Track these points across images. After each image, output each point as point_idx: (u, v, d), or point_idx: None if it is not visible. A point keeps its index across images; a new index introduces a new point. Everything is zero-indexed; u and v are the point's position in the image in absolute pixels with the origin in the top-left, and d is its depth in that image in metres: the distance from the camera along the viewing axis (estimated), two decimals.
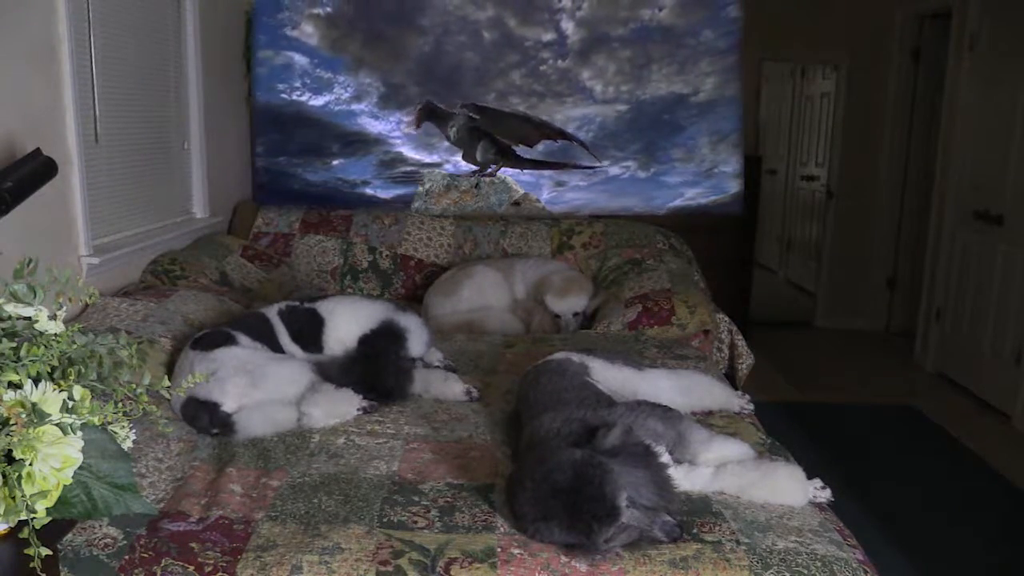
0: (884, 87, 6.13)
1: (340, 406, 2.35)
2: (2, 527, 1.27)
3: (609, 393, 2.25)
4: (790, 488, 1.90)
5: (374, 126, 4.54)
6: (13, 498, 1.22)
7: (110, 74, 3.06)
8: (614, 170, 4.63)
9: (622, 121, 4.58)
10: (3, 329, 1.34)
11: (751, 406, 2.53)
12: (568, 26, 4.50)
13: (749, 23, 4.59)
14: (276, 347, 2.61)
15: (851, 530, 1.85)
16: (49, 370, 1.34)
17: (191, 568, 1.62)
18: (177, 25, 3.66)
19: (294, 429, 2.28)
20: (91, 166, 2.89)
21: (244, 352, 2.43)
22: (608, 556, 1.63)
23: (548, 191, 4.65)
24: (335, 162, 4.56)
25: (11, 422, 1.22)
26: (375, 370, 2.51)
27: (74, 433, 1.28)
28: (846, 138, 6.27)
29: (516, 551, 1.66)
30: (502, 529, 1.75)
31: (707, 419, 2.36)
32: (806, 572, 1.62)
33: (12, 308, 1.36)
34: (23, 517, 1.23)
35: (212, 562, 1.63)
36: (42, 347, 1.32)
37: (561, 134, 4.57)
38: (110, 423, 1.39)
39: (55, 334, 1.36)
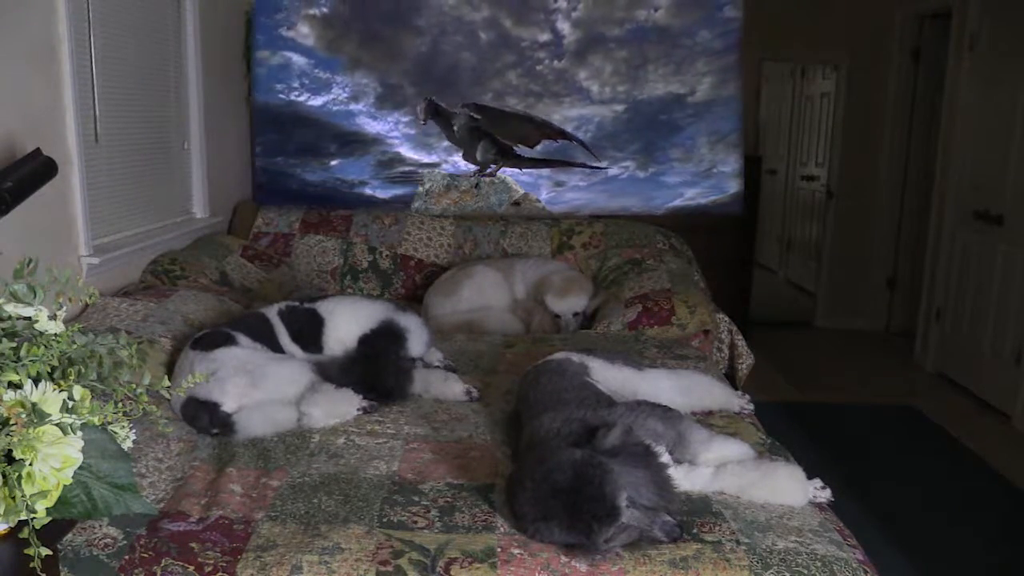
0: (884, 87, 6.13)
1: (340, 406, 2.35)
2: (2, 527, 1.27)
3: (609, 393, 2.25)
4: (790, 488, 1.90)
5: (372, 126, 4.55)
6: (13, 498, 1.22)
7: (110, 74, 3.06)
8: (613, 170, 4.63)
9: (620, 121, 4.59)
10: (3, 329, 1.34)
11: (751, 406, 2.53)
12: (564, 27, 4.50)
13: (749, 23, 4.59)
14: (276, 347, 2.61)
15: (851, 530, 1.85)
16: (49, 370, 1.34)
17: (191, 568, 1.62)
18: (177, 25, 3.66)
19: (294, 429, 2.28)
20: (91, 166, 2.89)
21: (244, 352, 2.43)
22: (608, 556, 1.63)
23: (547, 191, 4.65)
24: (333, 162, 4.56)
25: (11, 422, 1.22)
26: (375, 370, 2.51)
27: (74, 433, 1.28)
28: (846, 138, 6.27)
29: (516, 551, 1.66)
30: (502, 529, 1.75)
31: (707, 419, 2.36)
32: (806, 572, 1.62)
33: (12, 308, 1.36)
34: (23, 517, 1.23)
35: (212, 562, 1.63)
36: (42, 347, 1.32)
37: (562, 134, 4.57)
38: (110, 423, 1.39)
39: (55, 334, 1.36)
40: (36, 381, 1.29)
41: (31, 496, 1.23)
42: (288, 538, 1.71)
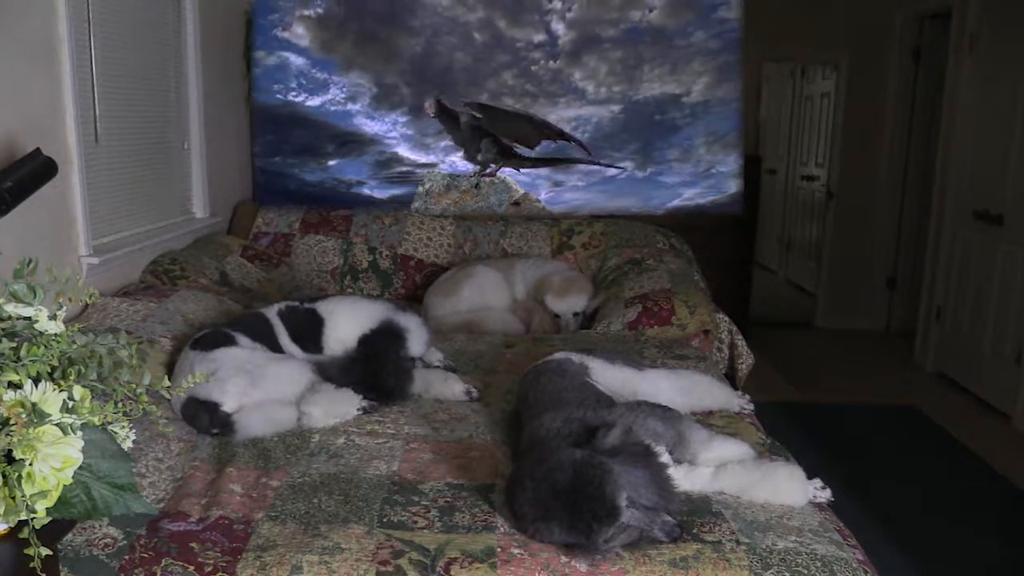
0: (884, 87, 6.13)
1: (340, 406, 2.35)
2: (2, 527, 1.27)
3: (609, 393, 2.25)
4: (790, 488, 1.90)
5: (370, 126, 4.55)
6: (13, 498, 1.22)
7: (110, 74, 3.06)
8: (611, 170, 4.63)
9: (617, 122, 4.59)
10: (3, 329, 1.34)
11: (751, 406, 2.53)
12: (558, 27, 4.51)
13: (749, 23, 4.59)
14: (276, 347, 2.61)
15: (851, 530, 1.85)
16: (49, 370, 1.34)
17: (191, 568, 1.62)
18: (177, 25, 3.66)
19: (294, 429, 2.28)
20: (91, 166, 2.89)
21: (244, 352, 2.43)
22: (608, 556, 1.63)
23: (546, 191, 4.66)
24: (331, 162, 4.57)
25: (11, 422, 1.23)
26: (375, 370, 2.51)
27: (74, 433, 1.28)
28: (846, 138, 6.27)
29: (516, 551, 1.66)
30: (502, 529, 1.75)
31: (707, 419, 2.36)
32: (806, 572, 1.62)
33: (12, 308, 1.36)
34: (23, 517, 1.23)
35: (212, 562, 1.63)
36: (42, 347, 1.32)
37: (561, 135, 4.57)
38: (110, 423, 1.39)
39: (55, 334, 1.36)
40: (36, 381, 1.29)
41: (31, 496, 1.23)
42: (288, 538, 1.71)
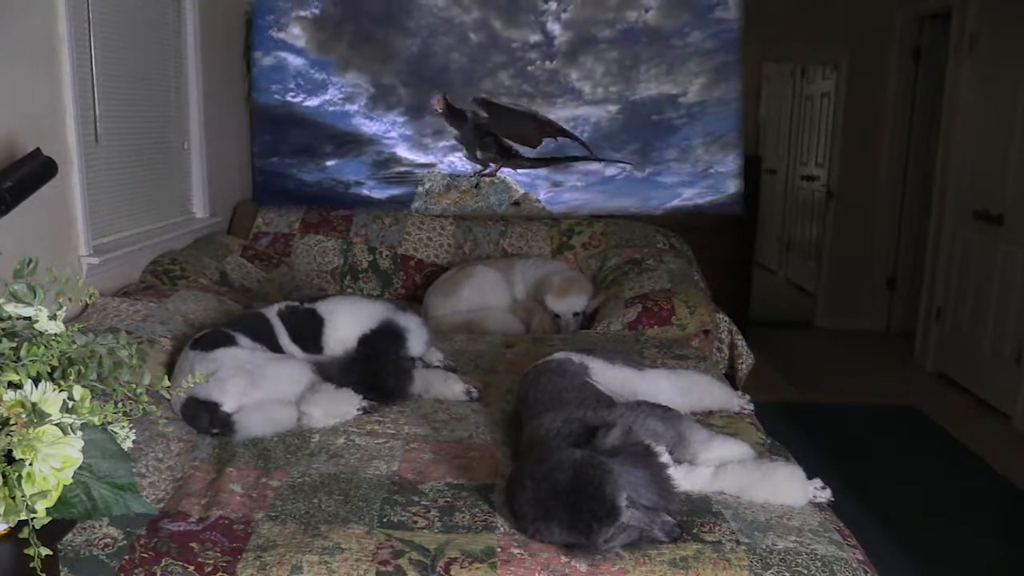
0: (884, 87, 6.13)
1: (340, 406, 2.35)
2: (2, 527, 1.27)
3: (609, 393, 2.25)
4: (790, 488, 1.90)
5: (368, 127, 4.56)
6: (13, 498, 1.22)
7: (110, 74, 3.06)
8: (610, 170, 4.64)
9: (615, 122, 4.60)
10: (3, 329, 1.34)
11: (751, 406, 2.53)
12: (554, 28, 4.51)
13: (749, 23, 4.59)
14: (276, 347, 2.61)
15: (851, 530, 1.85)
16: (49, 370, 1.34)
17: (191, 568, 1.62)
18: (177, 25, 3.66)
19: (294, 429, 2.28)
20: (91, 166, 2.89)
21: (244, 352, 2.43)
22: (608, 556, 1.63)
23: (545, 191, 4.66)
24: (329, 163, 4.57)
25: (11, 422, 1.22)
26: (375, 370, 2.51)
27: (74, 433, 1.28)
28: (846, 138, 6.27)
29: (516, 551, 1.66)
30: (502, 529, 1.75)
31: (707, 419, 2.36)
32: (806, 572, 1.62)
33: (12, 308, 1.36)
34: (23, 517, 1.23)
35: (212, 562, 1.63)
36: (42, 347, 1.32)
37: (564, 132, 4.57)
38: (110, 423, 1.39)
39: (55, 334, 1.36)
40: (36, 381, 1.29)
41: (31, 496, 1.23)
42: (288, 538, 1.71)
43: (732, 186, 4.64)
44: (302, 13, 4.43)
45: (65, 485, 1.26)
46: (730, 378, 3.31)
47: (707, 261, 4.43)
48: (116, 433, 1.40)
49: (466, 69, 4.52)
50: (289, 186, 4.55)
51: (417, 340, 2.68)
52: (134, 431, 1.47)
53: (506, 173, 4.64)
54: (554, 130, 4.56)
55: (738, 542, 1.69)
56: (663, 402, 2.18)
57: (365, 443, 2.20)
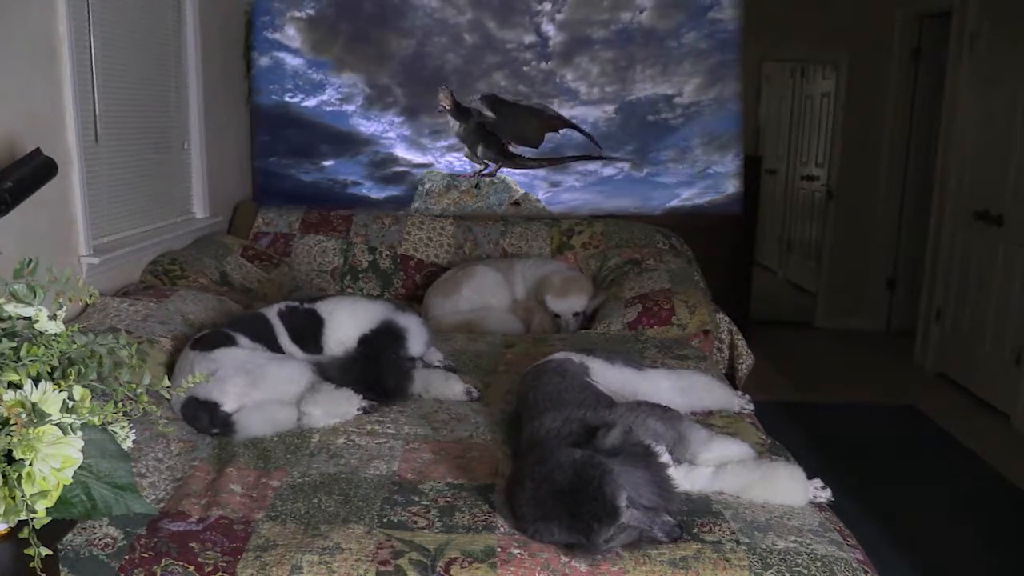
0: (884, 87, 6.13)
1: (340, 406, 2.35)
2: (2, 527, 1.27)
3: (609, 393, 2.25)
4: (790, 488, 1.90)
5: (366, 127, 4.56)
6: (13, 498, 1.22)
7: (110, 74, 3.06)
8: (608, 170, 4.64)
9: (612, 122, 4.60)
10: (3, 329, 1.34)
11: (751, 406, 2.53)
12: (549, 28, 4.52)
13: (749, 23, 4.59)
14: (276, 348, 2.61)
15: (851, 530, 1.85)
16: (49, 370, 1.34)
17: (191, 568, 1.62)
18: (177, 25, 3.66)
19: (294, 429, 2.28)
20: (91, 166, 2.89)
21: (244, 352, 2.43)
22: (608, 556, 1.63)
23: (544, 191, 4.66)
24: (327, 162, 4.58)
25: (11, 422, 1.22)
26: (375, 370, 2.51)
27: (74, 433, 1.28)
28: (846, 138, 6.27)
29: (516, 551, 1.66)
30: (502, 529, 1.75)
31: (707, 419, 2.36)
32: (806, 572, 1.62)
33: (12, 308, 1.36)
34: (23, 517, 1.23)
35: (212, 562, 1.63)
36: (42, 347, 1.32)
37: (570, 124, 4.58)
38: (110, 423, 1.39)
39: (55, 334, 1.36)
40: (36, 381, 1.29)
41: (31, 496, 1.23)
42: (288, 538, 1.71)
43: (731, 186, 4.64)
44: (296, 14, 4.44)
45: (65, 485, 1.26)
46: (730, 378, 3.31)
47: (707, 261, 4.42)
48: (116, 433, 1.40)
49: (462, 70, 4.53)
50: (287, 186, 4.56)
51: (417, 340, 2.68)
52: (134, 431, 1.47)
53: (506, 173, 4.65)
54: (563, 123, 4.56)
55: (738, 542, 1.69)
56: (663, 402, 2.18)
57: (365, 443, 2.20)
